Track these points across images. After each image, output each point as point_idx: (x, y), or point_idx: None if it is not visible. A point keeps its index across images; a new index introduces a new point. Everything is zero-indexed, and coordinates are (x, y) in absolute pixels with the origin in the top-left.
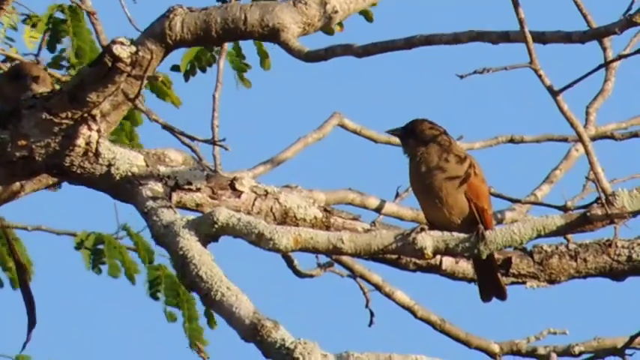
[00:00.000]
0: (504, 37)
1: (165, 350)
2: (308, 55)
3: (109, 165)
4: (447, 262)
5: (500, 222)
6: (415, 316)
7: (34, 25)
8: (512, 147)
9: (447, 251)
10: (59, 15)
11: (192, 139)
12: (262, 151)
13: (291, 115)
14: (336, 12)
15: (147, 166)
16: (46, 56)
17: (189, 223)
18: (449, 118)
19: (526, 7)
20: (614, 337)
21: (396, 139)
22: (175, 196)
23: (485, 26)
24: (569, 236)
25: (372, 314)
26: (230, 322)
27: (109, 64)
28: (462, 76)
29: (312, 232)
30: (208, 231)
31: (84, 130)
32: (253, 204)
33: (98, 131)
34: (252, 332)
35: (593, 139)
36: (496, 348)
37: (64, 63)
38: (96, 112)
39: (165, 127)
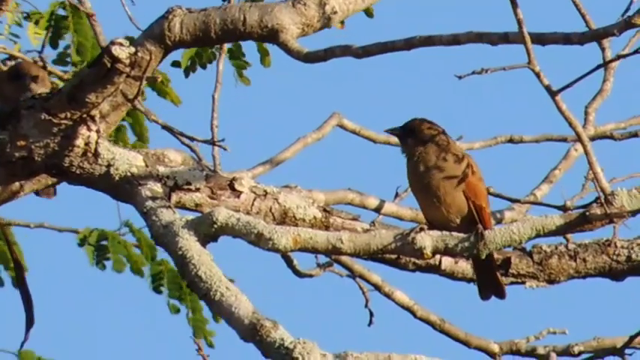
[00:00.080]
0: (504, 38)
1: (168, 346)
2: (307, 56)
3: (109, 165)
4: (447, 262)
5: (499, 222)
6: (414, 316)
7: (36, 22)
8: (511, 147)
9: (447, 251)
10: (61, 12)
11: (192, 139)
12: (261, 151)
13: (290, 116)
14: (335, 13)
15: (146, 166)
16: (51, 53)
17: (188, 223)
18: (448, 119)
19: (525, 8)
20: (613, 336)
21: (395, 140)
22: (175, 197)
23: (484, 26)
24: (569, 236)
25: (371, 314)
26: (229, 322)
27: (108, 64)
28: (460, 77)
29: (312, 232)
30: (207, 231)
31: (83, 130)
32: (252, 204)
33: (97, 132)
34: (251, 332)
35: (592, 139)
36: (496, 348)
37: (68, 59)
38: (95, 112)
39: (164, 127)
